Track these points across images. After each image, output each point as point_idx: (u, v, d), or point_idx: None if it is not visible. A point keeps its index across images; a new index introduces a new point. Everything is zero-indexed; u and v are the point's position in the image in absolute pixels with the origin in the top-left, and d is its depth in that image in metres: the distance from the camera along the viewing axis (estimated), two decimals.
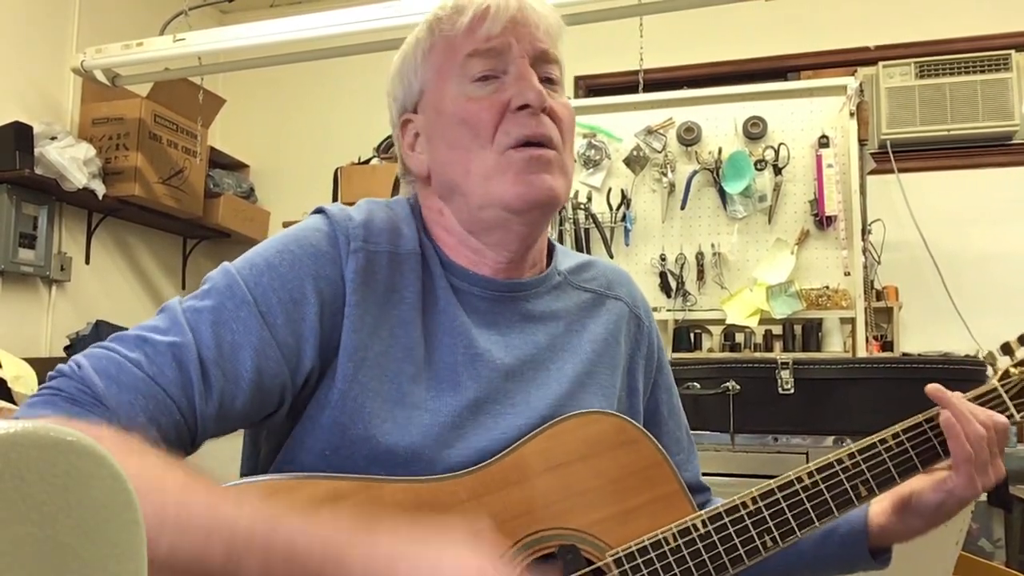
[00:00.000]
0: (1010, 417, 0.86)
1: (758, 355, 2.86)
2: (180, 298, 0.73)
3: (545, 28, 0.81)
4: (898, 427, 0.84)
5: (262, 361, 0.70)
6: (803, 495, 0.80)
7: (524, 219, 0.80)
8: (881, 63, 3.29)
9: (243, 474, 0.84)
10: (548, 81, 0.82)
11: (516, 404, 0.80)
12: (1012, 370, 0.89)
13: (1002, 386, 0.87)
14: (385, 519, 0.68)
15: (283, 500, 0.68)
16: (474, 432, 0.76)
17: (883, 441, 0.83)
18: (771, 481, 0.80)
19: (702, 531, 0.77)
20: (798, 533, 0.79)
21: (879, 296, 3.00)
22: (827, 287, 2.46)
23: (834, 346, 2.70)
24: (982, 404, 0.86)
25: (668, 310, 2.60)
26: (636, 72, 2.69)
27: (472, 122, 0.78)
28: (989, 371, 0.92)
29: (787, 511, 0.79)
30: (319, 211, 0.81)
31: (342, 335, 0.74)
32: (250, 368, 0.70)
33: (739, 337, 2.97)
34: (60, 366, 0.67)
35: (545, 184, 0.78)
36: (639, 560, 0.75)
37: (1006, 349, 0.90)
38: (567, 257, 0.94)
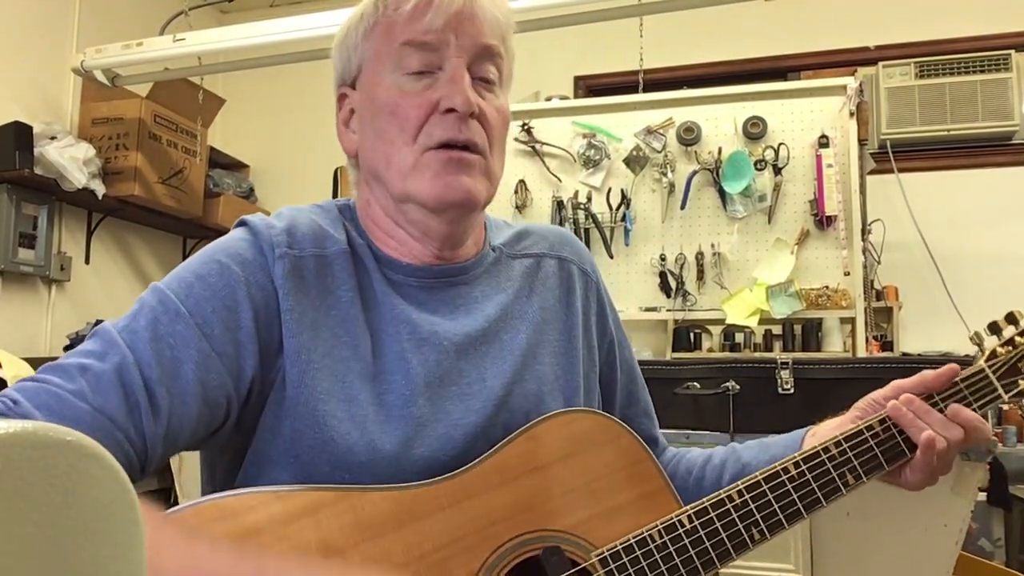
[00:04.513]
0: (998, 398, 0.84)
1: (758, 355, 2.86)
2: (112, 321, 0.70)
3: (492, 23, 0.79)
4: (884, 413, 0.83)
5: (204, 374, 0.69)
6: (790, 486, 0.79)
7: (442, 218, 0.80)
8: (881, 63, 3.29)
9: (204, 493, 0.81)
10: (484, 81, 0.80)
11: (472, 383, 0.79)
12: (999, 350, 0.86)
13: (989, 367, 0.85)
14: (368, 536, 0.67)
15: (262, 515, 0.66)
16: (432, 419, 0.75)
17: (870, 428, 0.82)
18: (757, 473, 0.79)
19: (688, 526, 0.76)
20: (785, 524, 0.78)
21: (879, 296, 3.01)
22: (827, 287, 2.46)
23: (834, 346, 2.71)
24: (969, 387, 0.84)
25: (668, 310, 2.60)
26: (636, 72, 2.69)
27: (400, 116, 0.78)
28: (976, 353, 0.90)
29: (774, 503, 0.78)
30: (241, 223, 0.80)
31: (283, 340, 0.73)
32: (193, 382, 0.68)
33: (739, 337, 2.98)
34: None
35: (463, 185, 0.77)
36: (625, 559, 0.74)
37: (994, 328, 0.88)
38: (500, 231, 0.93)
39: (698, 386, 1.66)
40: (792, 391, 1.62)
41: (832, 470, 0.80)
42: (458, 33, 0.77)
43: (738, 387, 1.64)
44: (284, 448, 0.72)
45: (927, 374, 0.85)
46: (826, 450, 0.81)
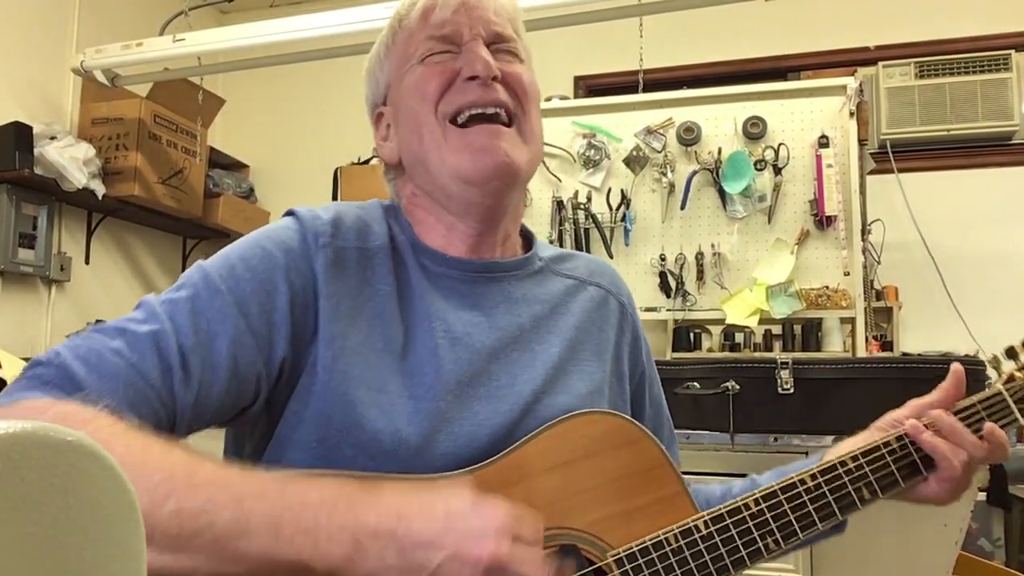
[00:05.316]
0: (1014, 421, 0.85)
1: (758, 355, 2.86)
2: (154, 295, 0.74)
3: (496, 9, 0.84)
4: (902, 430, 0.84)
5: (237, 349, 0.71)
6: (806, 497, 0.79)
7: (484, 190, 0.81)
8: (881, 63, 3.29)
9: None
10: (507, 52, 0.84)
11: (501, 387, 0.79)
12: (1017, 374, 0.88)
13: (1007, 390, 0.86)
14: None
15: None
16: (459, 416, 0.76)
17: (887, 444, 0.83)
18: (774, 483, 0.80)
19: (704, 532, 0.76)
20: (800, 535, 0.78)
21: (879, 296, 3.01)
22: (827, 287, 2.46)
23: (834, 346, 2.71)
24: (987, 410, 0.85)
25: (668, 310, 2.60)
26: (636, 72, 2.69)
27: (421, 88, 0.81)
28: (992, 374, 0.91)
29: (790, 513, 0.79)
30: (289, 213, 0.82)
31: (319, 326, 0.75)
32: (225, 356, 0.70)
33: (739, 337, 2.98)
34: (38, 356, 0.66)
35: (500, 152, 0.79)
36: (640, 560, 0.74)
37: (1011, 353, 0.89)
38: (547, 248, 0.95)
39: (698, 386, 1.66)
40: (792, 391, 1.62)
41: (848, 484, 0.81)
42: (469, 17, 0.82)
43: (738, 387, 1.64)
44: (308, 432, 0.73)
45: (942, 388, 0.87)
46: (843, 464, 0.81)
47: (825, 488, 0.80)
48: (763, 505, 0.78)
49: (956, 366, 0.86)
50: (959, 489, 0.82)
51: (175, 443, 0.62)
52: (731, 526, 0.77)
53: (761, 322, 2.53)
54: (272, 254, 0.76)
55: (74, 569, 0.30)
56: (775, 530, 0.78)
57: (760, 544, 0.77)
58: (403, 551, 0.59)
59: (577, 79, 3.82)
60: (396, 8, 0.87)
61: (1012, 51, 3.17)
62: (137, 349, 0.67)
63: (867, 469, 0.82)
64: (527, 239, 0.94)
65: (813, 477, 0.80)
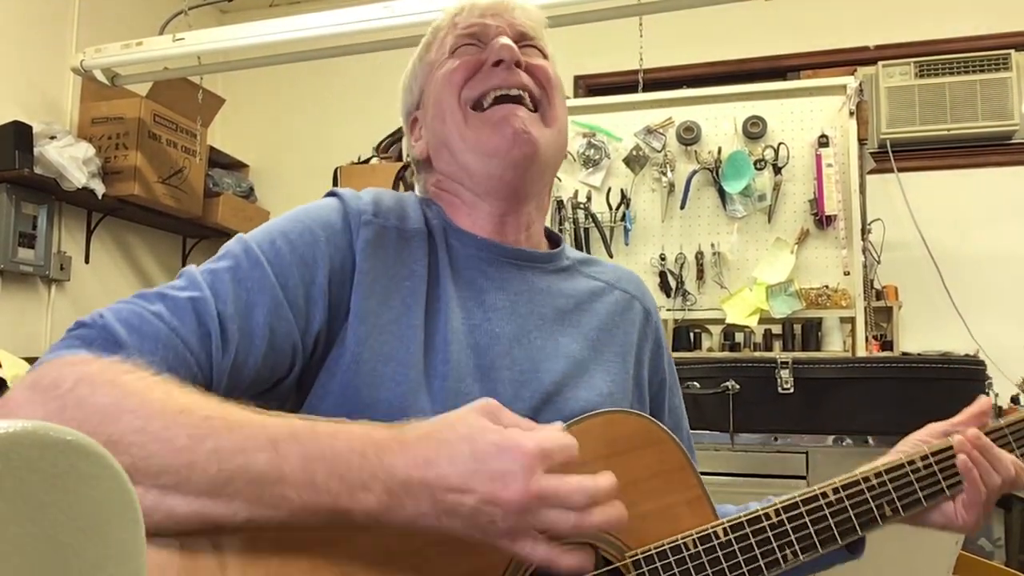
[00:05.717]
0: None
1: (758, 355, 2.86)
2: (195, 265, 0.75)
3: (522, 12, 0.89)
4: (927, 448, 0.84)
5: (275, 320, 0.73)
6: (827, 511, 0.79)
7: (504, 162, 0.83)
8: (881, 63, 3.29)
9: None
10: (533, 48, 0.88)
11: (524, 372, 0.80)
12: None
13: None
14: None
15: None
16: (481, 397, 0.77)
17: (911, 462, 0.83)
18: (795, 494, 0.79)
19: (723, 539, 0.76)
20: (820, 549, 0.78)
21: (879, 296, 3.00)
22: (827, 287, 2.46)
23: (834, 346, 2.70)
24: (1013, 432, 0.86)
25: (668, 310, 2.60)
26: (636, 72, 2.69)
27: (448, 76, 0.86)
28: (998, 383, 0.91)
29: (810, 526, 0.78)
30: (331, 194, 0.85)
31: (352, 300, 0.76)
32: (263, 325, 0.72)
33: (739, 337, 2.97)
34: (81, 318, 0.68)
35: (519, 122, 0.82)
36: (658, 564, 0.74)
37: None
38: (573, 251, 0.97)
39: (698, 386, 1.67)
40: (792, 391, 1.62)
41: (871, 500, 0.80)
42: (495, 20, 0.88)
43: (738, 387, 1.64)
44: (334, 405, 0.74)
45: (967, 413, 0.87)
46: (866, 479, 0.81)
47: (847, 503, 0.80)
48: (783, 516, 0.78)
49: (984, 398, 0.86)
50: (985, 514, 0.82)
51: (210, 394, 0.64)
52: (750, 535, 0.77)
53: (761, 322, 2.53)
54: (313, 230, 0.78)
55: (74, 569, 0.30)
56: (794, 541, 0.77)
57: (779, 555, 0.76)
58: (434, 497, 0.59)
59: (577, 79, 3.82)
60: (431, 24, 0.93)
61: (1012, 51, 3.16)
62: (177, 314, 0.68)
63: (890, 486, 0.81)
64: (554, 242, 0.96)
65: (835, 491, 0.80)
